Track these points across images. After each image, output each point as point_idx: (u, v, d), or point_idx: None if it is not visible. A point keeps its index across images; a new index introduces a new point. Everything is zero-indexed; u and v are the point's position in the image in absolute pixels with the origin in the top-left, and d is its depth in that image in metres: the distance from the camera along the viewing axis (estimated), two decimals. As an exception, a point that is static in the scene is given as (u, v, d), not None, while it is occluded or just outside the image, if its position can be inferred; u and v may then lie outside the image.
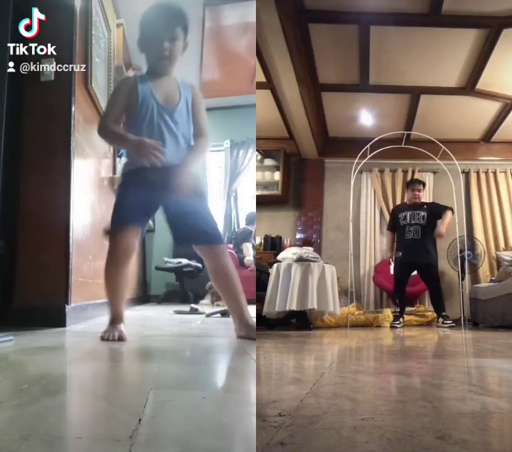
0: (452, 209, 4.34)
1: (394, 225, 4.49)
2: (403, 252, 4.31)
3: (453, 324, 4.16)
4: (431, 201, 4.95)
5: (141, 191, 2.01)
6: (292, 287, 3.53)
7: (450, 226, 4.35)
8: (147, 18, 2.08)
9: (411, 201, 4.47)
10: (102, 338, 2.00)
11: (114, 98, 2.14)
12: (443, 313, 4.26)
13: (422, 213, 4.34)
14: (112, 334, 2.00)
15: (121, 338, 1.99)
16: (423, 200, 4.54)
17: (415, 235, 4.30)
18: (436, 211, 4.34)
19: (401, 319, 4.25)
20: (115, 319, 2.10)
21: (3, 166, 2.54)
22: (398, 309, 4.35)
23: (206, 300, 5.33)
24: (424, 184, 4.66)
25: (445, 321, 4.16)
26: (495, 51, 3.79)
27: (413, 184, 4.56)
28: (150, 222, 6.23)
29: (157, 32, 2.03)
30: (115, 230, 2.03)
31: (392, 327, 4.12)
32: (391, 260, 4.59)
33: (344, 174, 5.23)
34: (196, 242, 2.12)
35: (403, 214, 4.40)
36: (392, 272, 5.03)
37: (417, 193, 4.46)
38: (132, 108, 2.03)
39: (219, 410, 0.98)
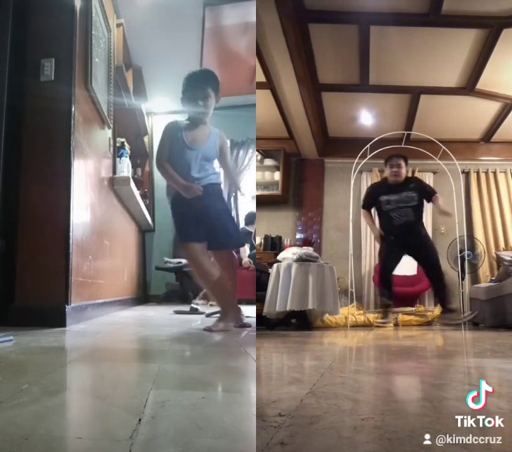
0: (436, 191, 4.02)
1: (371, 205, 4.05)
2: (395, 235, 3.90)
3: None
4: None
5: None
6: (292, 287, 3.53)
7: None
8: (186, 81, 2.68)
9: (393, 180, 3.95)
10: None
11: (163, 140, 2.71)
12: (449, 306, 3.90)
13: (411, 194, 3.89)
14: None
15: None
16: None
17: (408, 218, 3.87)
18: (426, 191, 3.96)
19: (389, 315, 3.93)
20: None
21: (3, 166, 2.54)
22: (386, 302, 3.95)
23: (200, 300, 5.34)
24: (406, 159, 4.02)
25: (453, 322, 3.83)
26: (495, 51, 3.79)
27: (391, 159, 3.97)
28: (150, 222, 6.24)
29: (194, 92, 2.65)
30: None
31: (378, 326, 3.84)
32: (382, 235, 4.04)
33: (344, 174, 5.23)
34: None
35: (385, 198, 3.92)
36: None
37: (396, 169, 3.92)
38: (172, 147, 2.65)
39: (219, 410, 0.97)
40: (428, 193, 3.95)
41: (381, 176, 5.55)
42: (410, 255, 4.02)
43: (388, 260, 4.00)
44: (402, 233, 3.89)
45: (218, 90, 2.72)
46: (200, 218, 2.59)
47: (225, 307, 2.69)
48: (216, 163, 2.79)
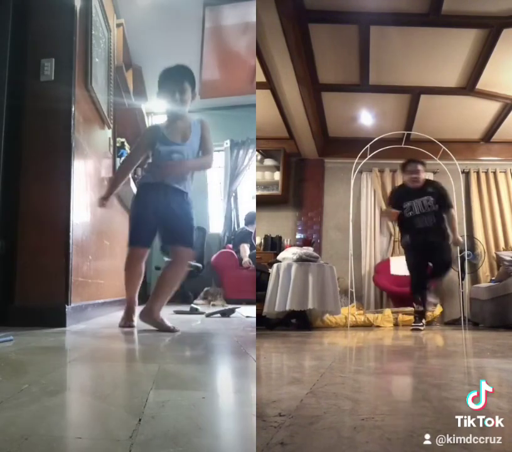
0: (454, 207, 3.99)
1: (395, 207, 3.94)
2: (418, 239, 3.81)
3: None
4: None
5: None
6: (292, 287, 3.53)
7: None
8: (161, 76, 2.71)
9: (412, 186, 3.90)
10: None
11: (138, 144, 2.85)
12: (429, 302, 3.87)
13: (431, 199, 3.82)
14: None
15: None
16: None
17: (428, 224, 3.81)
18: (443, 200, 3.88)
19: (423, 320, 3.81)
20: None
21: (3, 166, 2.54)
22: (419, 308, 3.82)
23: (200, 300, 5.37)
24: (423, 163, 3.99)
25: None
26: (495, 51, 3.79)
27: (410, 165, 3.92)
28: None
29: (170, 86, 2.66)
30: None
31: (414, 329, 3.69)
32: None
33: (344, 174, 5.23)
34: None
35: (408, 204, 3.85)
36: (392, 272, 5.03)
37: (416, 175, 3.88)
38: (156, 148, 2.67)
39: (219, 410, 0.97)
40: (444, 203, 3.89)
41: (381, 176, 5.57)
42: (429, 256, 3.89)
43: (413, 265, 3.89)
44: (424, 238, 3.81)
45: (194, 85, 2.71)
46: (153, 219, 2.61)
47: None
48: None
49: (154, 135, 2.71)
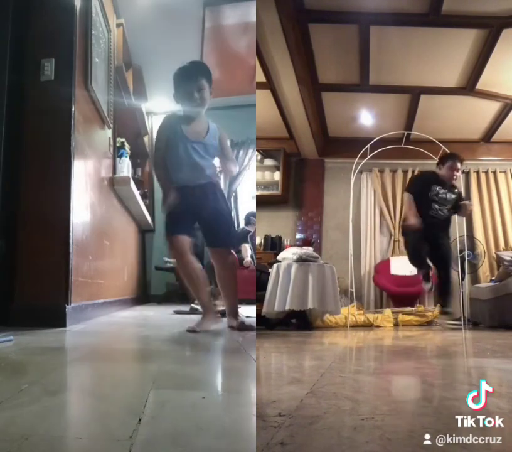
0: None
1: (420, 190, 3.71)
2: (426, 224, 3.61)
3: (460, 325, 3.93)
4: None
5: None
6: (291, 287, 3.53)
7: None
8: (177, 76, 2.57)
9: (449, 180, 3.75)
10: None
11: (159, 134, 2.65)
12: (447, 309, 3.82)
13: (454, 196, 3.74)
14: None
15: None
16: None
17: (440, 215, 3.70)
18: (458, 201, 3.78)
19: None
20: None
21: (3, 166, 2.54)
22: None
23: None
24: (462, 163, 3.85)
25: (449, 322, 3.85)
26: (495, 51, 3.79)
27: (454, 161, 3.73)
28: (150, 222, 6.23)
29: (187, 85, 2.52)
30: None
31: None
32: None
33: (344, 174, 5.23)
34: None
35: (437, 188, 3.69)
36: (392, 272, 5.02)
37: (456, 173, 3.74)
38: (171, 141, 2.57)
39: (219, 410, 0.97)
40: (457, 208, 3.81)
41: (381, 176, 5.57)
42: (431, 242, 3.75)
43: (419, 245, 3.73)
44: (432, 225, 3.68)
45: (211, 81, 2.57)
46: (193, 216, 2.55)
47: (204, 307, 2.67)
48: (216, 160, 2.71)
49: (173, 129, 2.58)
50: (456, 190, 3.82)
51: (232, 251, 2.70)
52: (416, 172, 5.41)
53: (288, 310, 3.53)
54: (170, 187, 2.52)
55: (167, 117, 2.67)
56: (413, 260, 3.82)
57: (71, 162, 2.63)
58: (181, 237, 2.48)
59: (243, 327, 2.55)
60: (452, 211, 3.78)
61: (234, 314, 2.67)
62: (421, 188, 3.75)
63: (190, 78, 2.53)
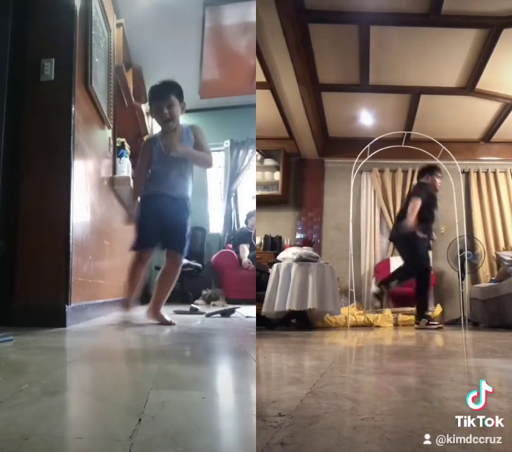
0: None
1: (425, 214, 3.96)
2: (428, 235, 3.95)
3: (441, 326, 3.93)
4: None
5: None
6: (291, 287, 3.53)
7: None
8: (149, 94, 2.90)
9: (435, 191, 4.11)
10: None
11: (141, 155, 3.03)
12: (427, 312, 3.97)
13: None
14: None
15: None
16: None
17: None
18: None
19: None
20: None
21: (3, 166, 2.54)
22: (430, 308, 4.03)
23: (200, 300, 5.37)
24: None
25: (430, 322, 3.88)
26: (495, 51, 3.79)
27: (437, 171, 4.16)
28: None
29: (158, 103, 2.83)
30: None
31: (437, 328, 3.82)
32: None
33: (344, 174, 5.23)
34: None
35: (435, 210, 4.04)
36: (392, 272, 5.02)
37: (440, 182, 4.16)
38: (154, 156, 2.90)
39: (219, 410, 0.97)
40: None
41: (381, 176, 5.57)
42: None
43: (426, 258, 4.04)
44: (429, 235, 3.99)
45: (182, 97, 2.85)
46: (156, 224, 2.86)
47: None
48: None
49: (151, 148, 2.92)
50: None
51: (181, 254, 3.03)
52: (416, 173, 5.40)
53: (288, 310, 3.53)
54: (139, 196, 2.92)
55: (147, 138, 3.03)
56: (417, 265, 4.00)
57: (71, 162, 2.63)
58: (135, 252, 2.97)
59: (165, 322, 2.86)
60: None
61: (159, 308, 2.97)
62: (429, 213, 3.97)
63: (160, 96, 2.83)
